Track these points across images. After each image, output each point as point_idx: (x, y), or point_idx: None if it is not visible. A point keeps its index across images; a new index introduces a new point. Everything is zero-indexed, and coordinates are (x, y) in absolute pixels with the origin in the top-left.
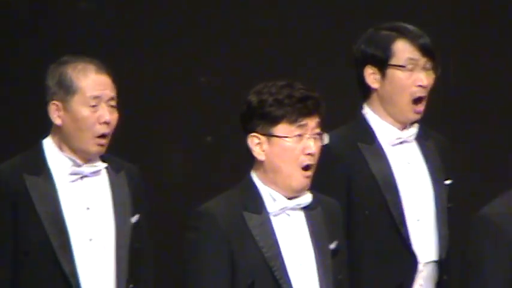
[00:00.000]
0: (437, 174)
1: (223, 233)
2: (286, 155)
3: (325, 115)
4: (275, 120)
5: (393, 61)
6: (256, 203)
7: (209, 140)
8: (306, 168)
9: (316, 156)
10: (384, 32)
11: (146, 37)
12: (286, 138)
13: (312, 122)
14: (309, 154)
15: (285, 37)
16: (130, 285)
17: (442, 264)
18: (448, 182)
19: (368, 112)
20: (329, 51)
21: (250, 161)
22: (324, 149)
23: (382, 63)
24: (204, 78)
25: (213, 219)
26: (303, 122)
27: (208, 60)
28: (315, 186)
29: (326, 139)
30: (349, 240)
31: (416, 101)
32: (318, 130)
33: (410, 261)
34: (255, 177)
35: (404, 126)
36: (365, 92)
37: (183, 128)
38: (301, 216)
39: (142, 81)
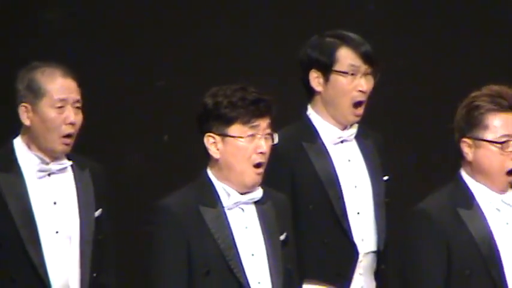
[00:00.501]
0: (375, 170)
1: (181, 226)
2: (239, 153)
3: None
4: (229, 121)
5: (336, 67)
6: (211, 198)
7: (166, 139)
8: (257, 165)
9: (267, 155)
10: (329, 39)
11: (107, 44)
12: (240, 138)
13: (264, 123)
14: (260, 153)
15: (237, 42)
16: (94, 275)
17: (380, 255)
18: (385, 178)
19: (311, 113)
20: (277, 55)
21: (204, 158)
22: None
23: (326, 69)
24: (160, 81)
25: (170, 213)
26: (255, 123)
27: (165, 65)
28: (263, 182)
29: (276, 139)
30: (294, 232)
31: (357, 104)
32: (268, 130)
33: (350, 252)
34: (210, 173)
35: (345, 126)
36: (309, 94)
37: (141, 128)
38: (253, 210)
39: (103, 84)
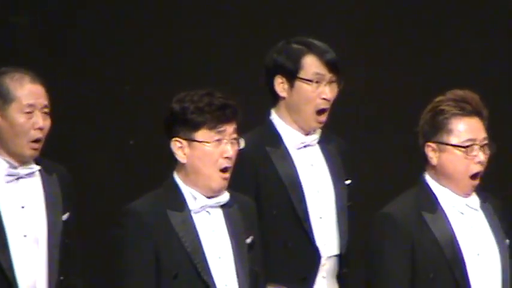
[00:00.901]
0: (338, 175)
1: (148, 229)
2: (206, 158)
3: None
4: (196, 126)
5: (301, 74)
6: (178, 202)
7: (132, 143)
8: (224, 170)
9: (233, 159)
10: (295, 46)
11: (74, 48)
12: (206, 143)
13: (230, 128)
14: (226, 157)
15: (204, 48)
16: (61, 277)
17: (342, 258)
18: (348, 182)
19: (275, 118)
20: (242, 61)
21: (170, 163)
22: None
23: (291, 75)
24: (127, 86)
25: (138, 217)
26: (222, 128)
27: (132, 69)
28: (229, 186)
29: (242, 143)
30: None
31: (320, 112)
32: (235, 135)
33: (313, 256)
34: (177, 178)
35: (308, 131)
36: (273, 99)
37: (107, 132)
38: (219, 213)
39: (71, 90)
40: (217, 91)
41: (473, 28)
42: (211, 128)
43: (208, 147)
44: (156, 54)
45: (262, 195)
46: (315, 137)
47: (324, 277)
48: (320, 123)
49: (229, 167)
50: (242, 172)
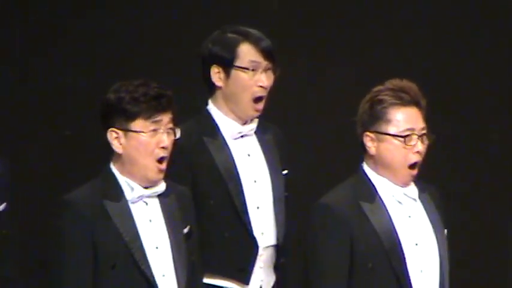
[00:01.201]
0: (275, 165)
1: (86, 220)
2: (142, 148)
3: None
4: (132, 117)
5: (237, 63)
6: (115, 192)
7: (67, 134)
8: (160, 160)
9: (170, 149)
10: (230, 35)
11: (8, 39)
12: (142, 133)
13: (166, 118)
14: (162, 147)
15: (139, 38)
16: None
17: (279, 248)
18: (285, 172)
19: (212, 108)
20: (178, 51)
21: (106, 153)
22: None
23: (227, 64)
24: (63, 77)
25: (76, 208)
26: (158, 118)
27: (68, 61)
28: (166, 176)
29: (178, 133)
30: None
31: (257, 100)
32: (171, 125)
33: (250, 246)
34: (113, 168)
35: (245, 121)
36: (210, 89)
37: (42, 123)
38: (156, 203)
39: (9, 81)
40: (152, 81)
41: (408, 19)
42: (146, 118)
43: (144, 137)
44: (91, 44)
45: (199, 185)
46: (252, 126)
47: (261, 267)
48: (257, 111)
49: (166, 157)
50: (178, 162)
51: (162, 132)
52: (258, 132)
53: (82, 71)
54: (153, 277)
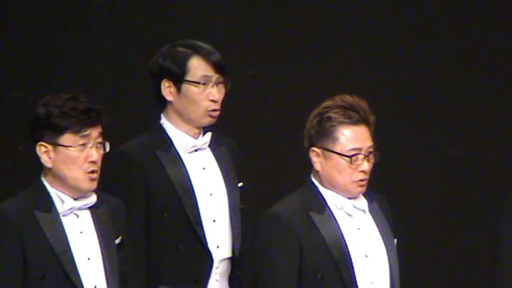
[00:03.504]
0: (230, 177)
1: (15, 231)
2: (70, 162)
3: (122, 125)
4: (60, 131)
5: (188, 77)
6: (46, 204)
7: (20, 148)
8: (90, 173)
9: (99, 164)
10: (180, 49)
11: None
12: (71, 148)
13: (95, 132)
14: (92, 162)
15: (87, 50)
16: None
17: (235, 261)
18: (240, 184)
19: (165, 122)
20: (126, 65)
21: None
22: (123, 156)
23: (178, 78)
24: (16, 92)
25: (4, 218)
26: (86, 132)
27: (20, 75)
28: (114, 191)
29: (107, 147)
30: (148, 241)
31: (210, 112)
32: (100, 139)
33: (205, 259)
34: (44, 180)
35: (198, 134)
36: (161, 103)
37: None
38: (88, 215)
39: None
40: (82, 95)
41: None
42: (75, 132)
43: (73, 151)
44: (43, 58)
45: (152, 199)
46: (206, 139)
47: (216, 280)
48: (212, 117)
49: (96, 170)
50: (130, 177)
51: (91, 147)
52: (212, 145)
53: (34, 85)
54: None
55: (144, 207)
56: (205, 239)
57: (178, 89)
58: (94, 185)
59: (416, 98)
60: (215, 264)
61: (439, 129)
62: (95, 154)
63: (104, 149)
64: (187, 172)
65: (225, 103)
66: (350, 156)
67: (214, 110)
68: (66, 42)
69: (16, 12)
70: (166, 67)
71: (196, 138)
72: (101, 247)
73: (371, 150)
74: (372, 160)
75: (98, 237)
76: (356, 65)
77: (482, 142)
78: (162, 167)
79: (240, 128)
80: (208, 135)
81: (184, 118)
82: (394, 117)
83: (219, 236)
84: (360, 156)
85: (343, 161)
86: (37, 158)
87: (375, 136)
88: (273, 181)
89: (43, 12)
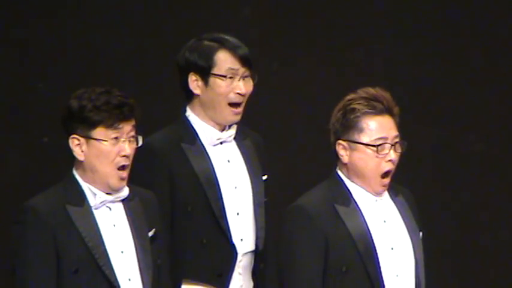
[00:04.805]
0: (255, 170)
1: (47, 225)
2: (103, 156)
3: (147, 117)
4: (93, 125)
5: (215, 70)
6: (78, 197)
7: (45, 140)
8: (121, 168)
9: (131, 157)
10: (207, 43)
11: None
12: (103, 141)
13: (128, 126)
14: (124, 156)
15: (116, 45)
16: None
17: (259, 254)
18: (264, 177)
19: (190, 115)
20: (151, 59)
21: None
22: (148, 149)
23: (205, 72)
24: (41, 84)
25: (37, 213)
26: (119, 126)
27: (46, 67)
28: (139, 183)
29: (140, 141)
30: (172, 234)
31: (235, 105)
32: (133, 133)
33: (229, 252)
34: (76, 174)
35: (223, 127)
36: (188, 96)
37: (21, 129)
38: (120, 208)
39: None
40: (115, 89)
41: (384, 26)
42: (108, 126)
43: (105, 145)
44: (69, 50)
45: (177, 191)
46: (231, 132)
47: (240, 273)
48: (236, 115)
49: (127, 165)
50: (155, 169)
51: (124, 141)
52: (237, 138)
53: (60, 77)
54: (117, 281)
55: (169, 200)
56: (230, 232)
57: (206, 83)
58: (123, 183)
59: (440, 93)
60: (239, 257)
61: (462, 123)
62: (128, 148)
63: (137, 143)
64: (212, 165)
65: (250, 96)
66: (376, 146)
67: (236, 105)
68: (92, 35)
69: (44, 4)
70: (193, 61)
71: (222, 131)
72: (134, 240)
73: (397, 140)
74: (399, 150)
75: (131, 230)
76: (380, 59)
77: (506, 137)
78: (187, 159)
79: (265, 122)
80: (234, 127)
81: (210, 113)
82: (417, 113)
83: (243, 229)
84: (387, 146)
85: (369, 151)
86: (62, 150)
87: (398, 130)
88: (297, 174)
89: (71, 5)
